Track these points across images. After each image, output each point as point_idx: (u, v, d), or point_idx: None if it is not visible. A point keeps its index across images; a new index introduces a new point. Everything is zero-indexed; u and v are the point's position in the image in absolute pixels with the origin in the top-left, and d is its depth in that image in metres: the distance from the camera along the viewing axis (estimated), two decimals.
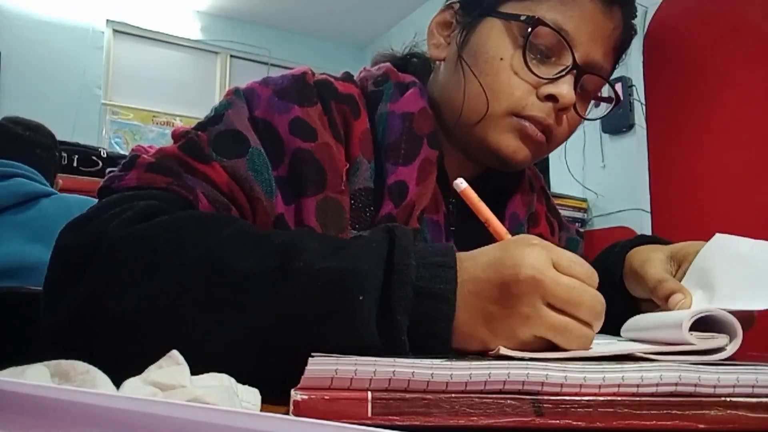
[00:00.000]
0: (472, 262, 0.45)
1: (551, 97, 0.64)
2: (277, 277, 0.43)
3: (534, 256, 0.43)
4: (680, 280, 0.58)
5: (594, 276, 0.45)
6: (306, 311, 0.42)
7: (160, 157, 0.57)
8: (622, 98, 0.73)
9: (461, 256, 0.46)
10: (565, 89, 0.64)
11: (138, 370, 0.30)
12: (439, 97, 0.71)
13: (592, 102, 0.72)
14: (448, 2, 0.72)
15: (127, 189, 0.54)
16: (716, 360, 0.43)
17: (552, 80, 0.64)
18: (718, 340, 0.45)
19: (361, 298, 0.42)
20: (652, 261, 0.60)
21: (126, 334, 0.44)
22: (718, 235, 0.56)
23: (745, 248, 0.52)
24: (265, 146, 0.60)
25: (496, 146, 0.66)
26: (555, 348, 0.44)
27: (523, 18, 0.63)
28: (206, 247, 0.45)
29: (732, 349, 0.44)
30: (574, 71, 0.64)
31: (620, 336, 0.59)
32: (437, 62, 0.74)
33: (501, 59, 0.64)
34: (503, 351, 0.42)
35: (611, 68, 0.69)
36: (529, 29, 0.63)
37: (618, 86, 2.77)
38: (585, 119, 0.70)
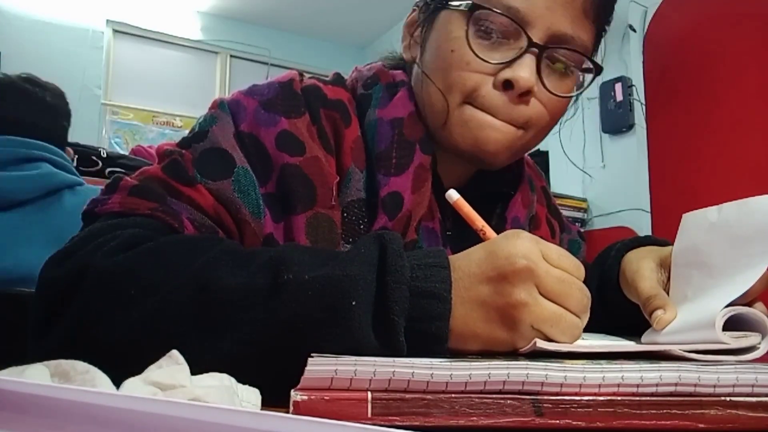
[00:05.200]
0: (465, 261, 0.46)
1: (508, 83, 0.60)
2: (268, 292, 0.43)
3: (526, 247, 0.45)
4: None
5: (581, 269, 0.47)
6: (300, 322, 0.42)
7: (143, 179, 0.56)
8: (602, 67, 0.66)
9: (453, 256, 0.47)
10: (522, 72, 0.59)
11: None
12: (417, 100, 0.69)
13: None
14: (416, 1, 0.70)
15: (110, 214, 0.53)
16: (750, 359, 0.44)
17: (507, 64, 0.60)
18: (750, 338, 0.45)
19: (353, 303, 0.42)
20: (642, 272, 0.59)
21: (117, 361, 0.43)
22: (685, 215, 0.56)
23: (713, 216, 0.53)
24: (251, 163, 0.59)
25: (463, 143, 0.63)
26: (547, 341, 0.44)
27: (462, 7, 0.60)
28: (194, 269, 0.45)
29: (765, 347, 0.45)
30: (535, 50, 0.60)
31: (624, 339, 0.59)
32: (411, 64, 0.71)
33: (452, 51, 0.61)
34: (540, 344, 0.43)
35: (591, 36, 0.63)
36: (468, 15, 0.60)
37: (618, 86, 2.80)
38: (563, 96, 0.63)
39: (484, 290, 0.44)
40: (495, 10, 0.59)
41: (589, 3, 0.62)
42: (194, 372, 0.31)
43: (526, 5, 0.59)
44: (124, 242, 0.48)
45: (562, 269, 0.45)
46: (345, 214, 0.62)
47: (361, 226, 0.63)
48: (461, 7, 0.61)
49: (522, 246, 0.45)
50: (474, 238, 0.54)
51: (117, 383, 0.28)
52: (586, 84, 0.67)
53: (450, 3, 0.63)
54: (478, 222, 0.54)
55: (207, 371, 0.34)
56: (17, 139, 1.29)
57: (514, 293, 0.44)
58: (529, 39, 0.59)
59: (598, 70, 0.65)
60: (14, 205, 1.23)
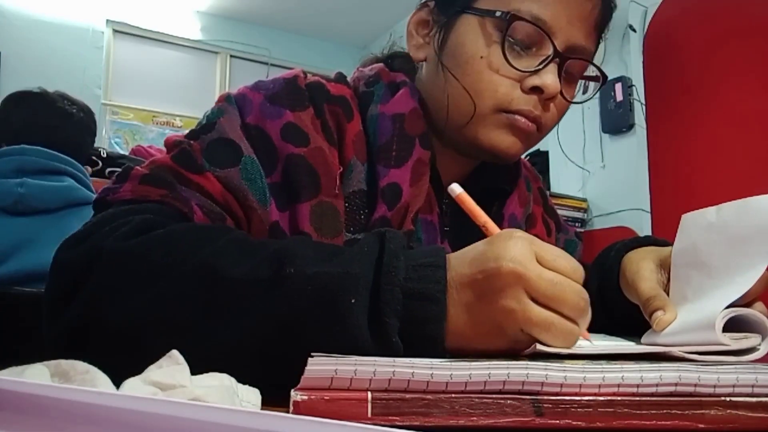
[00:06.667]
0: (460, 260, 0.45)
1: (536, 89, 0.63)
2: (271, 284, 0.43)
3: (517, 249, 0.43)
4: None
5: (579, 271, 0.44)
6: (300, 316, 0.42)
7: (153, 168, 0.57)
8: (607, 76, 0.72)
9: (451, 255, 0.46)
10: (549, 79, 0.63)
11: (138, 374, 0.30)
12: (426, 98, 0.71)
13: (581, 84, 0.71)
14: (424, 0, 0.71)
15: (122, 201, 0.55)
16: (750, 360, 0.43)
17: (535, 72, 0.63)
18: (750, 339, 0.45)
19: (353, 301, 0.42)
20: (642, 272, 0.59)
21: (125, 344, 0.45)
22: (684, 215, 0.56)
23: (712, 216, 0.53)
24: (258, 153, 0.60)
25: (488, 144, 0.65)
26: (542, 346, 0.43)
27: (498, 14, 0.62)
28: (202, 257, 0.46)
29: (765, 348, 0.45)
30: (557, 59, 0.63)
31: (624, 339, 0.59)
32: (420, 63, 0.72)
33: (481, 57, 0.64)
34: (540, 348, 0.42)
35: (595, 47, 0.68)
36: (506, 25, 0.62)
37: (618, 86, 2.80)
38: (572, 103, 0.69)
39: (470, 294, 0.43)
40: (530, 20, 0.62)
41: (599, 18, 0.67)
42: (198, 358, 0.32)
43: (553, 18, 0.63)
44: (137, 227, 0.49)
45: (557, 271, 0.43)
46: (347, 204, 0.64)
47: (362, 216, 0.64)
48: (496, 15, 0.63)
49: (513, 248, 0.43)
50: (472, 233, 0.53)
51: (117, 382, 0.28)
52: (591, 91, 0.72)
53: (476, 7, 0.65)
54: (481, 218, 0.53)
55: (210, 357, 0.34)
56: (46, 151, 1.33)
57: (499, 298, 0.42)
58: (555, 48, 0.63)
59: (604, 78, 0.70)
60: (35, 212, 1.27)
